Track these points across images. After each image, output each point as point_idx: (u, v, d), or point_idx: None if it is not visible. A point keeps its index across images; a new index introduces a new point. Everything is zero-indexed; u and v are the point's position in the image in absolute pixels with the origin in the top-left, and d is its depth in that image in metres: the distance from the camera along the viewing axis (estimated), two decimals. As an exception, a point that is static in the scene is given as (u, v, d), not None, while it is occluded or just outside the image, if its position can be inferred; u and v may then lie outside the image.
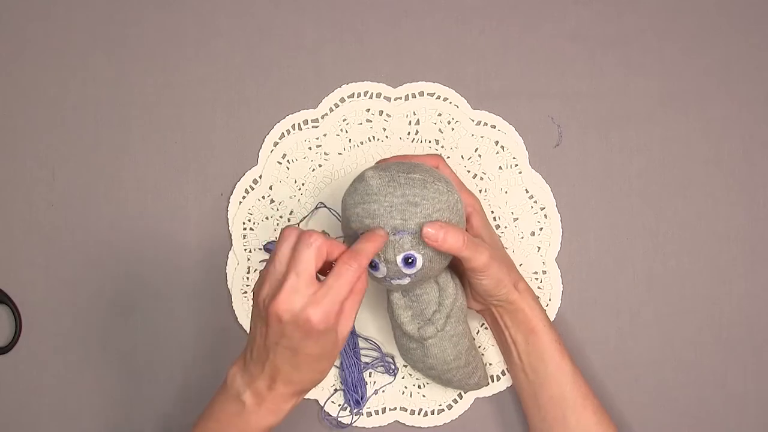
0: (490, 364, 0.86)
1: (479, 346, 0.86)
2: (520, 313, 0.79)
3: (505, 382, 0.86)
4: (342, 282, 0.67)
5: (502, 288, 0.77)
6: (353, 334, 0.86)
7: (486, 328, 0.86)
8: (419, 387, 0.87)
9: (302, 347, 0.67)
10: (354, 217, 0.73)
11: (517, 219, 0.87)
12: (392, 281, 0.74)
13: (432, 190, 0.72)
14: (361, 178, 0.73)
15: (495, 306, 0.80)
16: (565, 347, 0.79)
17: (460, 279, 0.79)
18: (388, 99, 0.88)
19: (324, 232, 0.81)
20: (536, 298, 0.80)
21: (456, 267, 0.79)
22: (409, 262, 0.72)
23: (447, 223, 0.72)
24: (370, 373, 0.87)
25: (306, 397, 0.86)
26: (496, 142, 0.88)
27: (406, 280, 0.74)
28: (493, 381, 0.86)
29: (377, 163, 0.79)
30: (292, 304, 0.66)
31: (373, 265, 0.73)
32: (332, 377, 0.87)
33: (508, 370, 0.85)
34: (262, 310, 0.68)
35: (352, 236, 0.73)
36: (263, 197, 0.87)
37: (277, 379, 0.69)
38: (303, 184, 0.88)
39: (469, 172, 0.87)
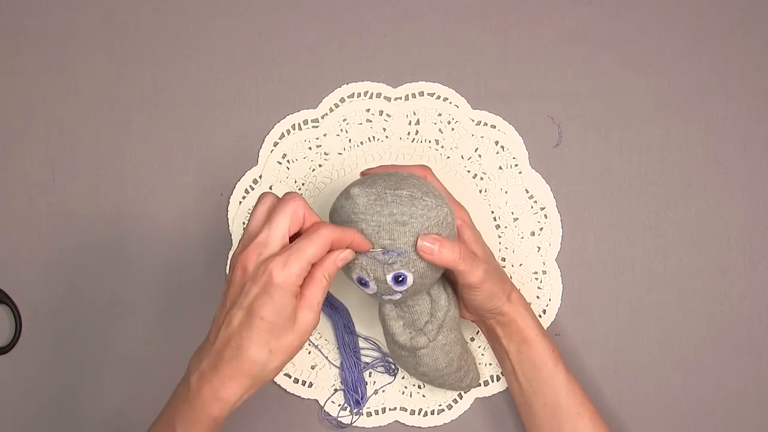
0: (489, 365, 0.86)
1: (479, 347, 0.86)
2: (513, 323, 0.78)
3: (504, 383, 0.86)
4: (310, 245, 0.65)
5: (496, 302, 0.77)
6: (353, 334, 0.86)
7: (486, 328, 0.86)
8: (419, 387, 0.87)
9: (258, 306, 0.65)
10: None
11: (517, 219, 0.87)
12: (383, 297, 0.74)
13: (420, 207, 0.70)
14: (347, 196, 0.72)
15: (487, 318, 0.79)
16: (559, 355, 0.79)
17: (453, 288, 0.79)
18: (388, 99, 0.88)
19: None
20: (529, 308, 0.79)
21: (449, 277, 0.78)
22: (399, 280, 0.71)
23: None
24: (370, 373, 0.87)
25: (306, 397, 0.86)
26: (496, 142, 0.88)
27: (398, 296, 0.73)
28: (492, 381, 0.86)
29: (362, 173, 0.78)
30: (259, 255, 0.65)
31: (363, 283, 0.72)
32: (332, 377, 0.87)
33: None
34: (231, 268, 0.67)
35: None
36: (263, 197, 0.87)
37: (224, 355, 0.66)
38: (303, 184, 0.88)
39: (469, 172, 0.87)
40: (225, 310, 0.67)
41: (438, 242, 0.71)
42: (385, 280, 0.71)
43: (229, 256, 0.87)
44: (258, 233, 0.67)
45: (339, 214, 0.72)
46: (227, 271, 0.87)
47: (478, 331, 0.86)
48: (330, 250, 0.68)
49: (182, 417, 0.67)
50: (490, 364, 0.86)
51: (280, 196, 0.69)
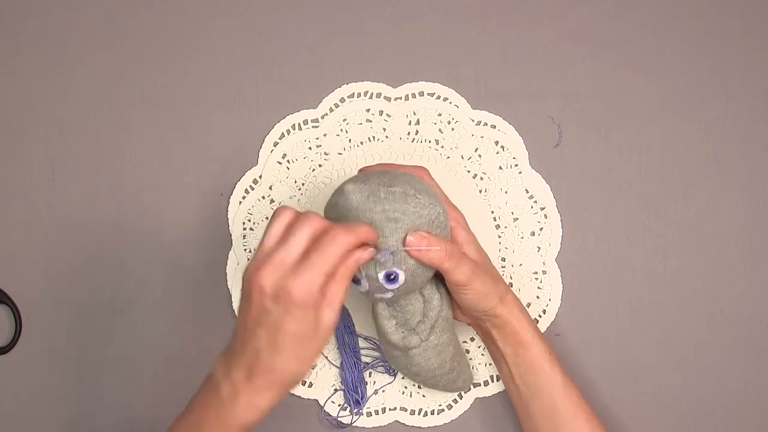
0: (489, 365, 0.86)
1: (479, 347, 0.86)
2: (508, 326, 0.78)
3: (505, 382, 0.86)
4: (325, 256, 0.65)
5: (488, 302, 0.76)
6: (353, 334, 0.86)
7: (486, 328, 0.86)
8: (419, 387, 0.87)
9: (283, 324, 0.65)
10: None
11: (517, 219, 0.87)
12: (375, 295, 0.74)
13: (413, 204, 0.70)
14: (340, 192, 0.72)
15: (482, 321, 0.79)
16: (556, 357, 0.79)
17: (446, 289, 0.78)
18: (388, 99, 0.88)
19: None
20: (524, 310, 0.79)
21: (442, 278, 0.78)
22: (391, 278, 0.71)
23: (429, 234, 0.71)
24: (370, 373, 0.87)
25: (306, 397, 0.86)
26: (496, 142, 0.88)
27: (389, 295, 0.73)
28: (492, 381, 0.86)
29: (360, 171, 0.78)
30: (276, 276, 0.65)
31: (355, 280, 0.72)
32: (332, 377, 0.87)
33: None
34: (246, 285, 0.66)
35: None
36: (263, 197, 0.87)
37: (255, 368, 0.67)
38: (303, 184, 0.88)
39: (469, 172, 0.87)
40: (247, 328, 0.67)
41: (425, 240, 0.71)
42: (377, 278, 0.71)
43: (229, 257, 0.87)
44: (274, 251, 0.66)
45: (333, 210, 0.73)
46: (227, 271, 0.87)
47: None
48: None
49: (211, 425, 0.68)
50: (490, 364, 0.86)
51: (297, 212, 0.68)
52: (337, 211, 0.72)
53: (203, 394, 0.70)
